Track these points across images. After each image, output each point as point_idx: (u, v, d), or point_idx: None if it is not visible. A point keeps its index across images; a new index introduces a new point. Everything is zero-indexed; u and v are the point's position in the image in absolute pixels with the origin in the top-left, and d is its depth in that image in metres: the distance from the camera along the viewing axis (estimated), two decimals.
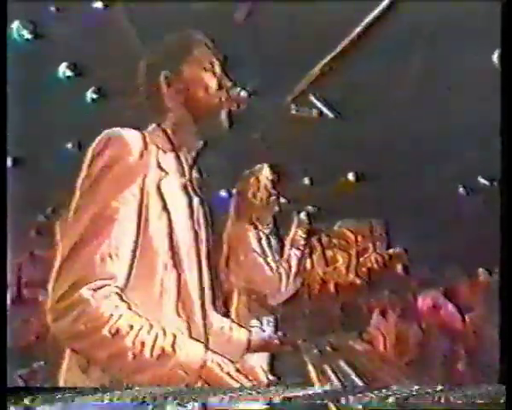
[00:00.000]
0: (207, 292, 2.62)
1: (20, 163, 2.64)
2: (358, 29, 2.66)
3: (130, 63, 2.62)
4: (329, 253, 2.73)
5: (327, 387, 2.64)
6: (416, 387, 2.63)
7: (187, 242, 2.58)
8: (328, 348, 2.70)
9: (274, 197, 2.71)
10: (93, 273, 2.45)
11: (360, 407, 2.56)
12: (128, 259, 2.51)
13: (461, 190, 2.70)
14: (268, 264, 2.73)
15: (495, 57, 2.65)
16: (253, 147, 2.69)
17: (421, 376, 2.64)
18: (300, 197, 2.71)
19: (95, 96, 2.64)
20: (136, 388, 2.60)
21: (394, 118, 2.68)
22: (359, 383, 2.64)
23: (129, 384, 2.57)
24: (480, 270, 2.67)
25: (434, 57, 2.68)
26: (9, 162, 2.64)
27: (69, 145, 2.63)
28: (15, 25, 2.62)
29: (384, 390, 2.61)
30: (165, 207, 2.55)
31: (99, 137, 2.53)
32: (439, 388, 2.61)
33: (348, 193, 2.68)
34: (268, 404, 2.59)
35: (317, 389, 2.64)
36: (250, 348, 2.64)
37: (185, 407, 2.60)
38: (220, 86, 2.62)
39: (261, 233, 2.72)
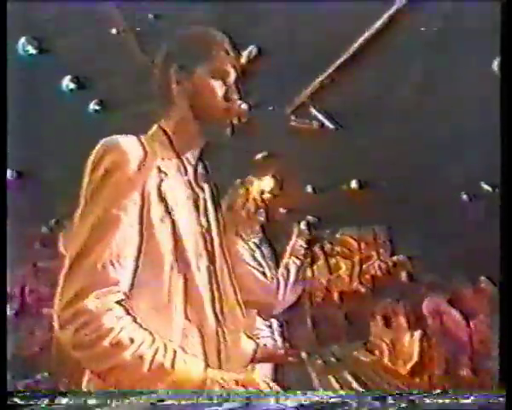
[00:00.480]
0: (218, 292, 2.60)
1: (24, 175, 2.67)
2: (359, 41, 2.67)
3: (131, 75, 2.64)
4: (333, 261, 2.72)
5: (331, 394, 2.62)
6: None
7: (194, 242, 2.57)
8: (332, 359, 2.68)
9: (261, 210, 2.70)
10: (97, 281, 2.45)
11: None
12: (132, 264, 2.51)
13: (464, 196, 2.69)
14: (263, 274, 2.71)
15: (495, 64, 2.66)
16: (254, 157, 2.69)
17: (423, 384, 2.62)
18: (303, 206, 2.70)
19: (97, 107, 2.66)
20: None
21: (396, 126, 2.68)
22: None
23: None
24: (483, 278, 2.66)
25: (434, 67, 2.69)
26: (13, 175, 2.66)
27: (72, 157, 2.64)
28: (21, 41, 2.66)
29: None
30: (167, 209, 2.55)
31: (97, 147, 2.55)
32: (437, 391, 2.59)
33: (351, 201, 2.68)
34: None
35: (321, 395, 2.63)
36: (255, 359, 2.63)
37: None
38: (227, 98, 2.62)
39: (251, 244, 2.70)
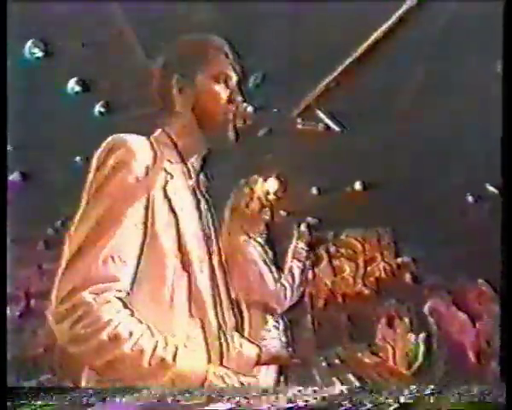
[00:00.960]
0: (220, 293, 2.60)
1: (30, 177, 2.68)
2: (364, 44, 2.67)
3: (136, 77, 2.65)
4: (336, 262, 2.71)
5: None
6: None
7: (197, 244, 2.58)
8: (336, 361, 2.67)
9: (266, 209, 2.70)
10: (96, 276, 2.46)
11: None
12: (133, 262, 2.51)
13: (469, 198, 2.69)
14: (272, 276, 2.71)
15: (499, 65, 2.66)
16: (260, 159, 2.70)
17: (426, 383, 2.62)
18: (308, 207, 2.70)
19: (102, 109, 2.67)
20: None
21: (401, 129, 2.68)
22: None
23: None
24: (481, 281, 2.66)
25: (438, 69, 2.69)
26: (18, 176, 2.67)
27: (78, 159, 2.66)
28: (28, 44, 2.68)
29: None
30: (171, 210, 2.56)
31: (104, 144, 2.57)
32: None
33: (356, 202, 2.67)
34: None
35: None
36: (259, 362, 2.62)
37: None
38: (230, 100, 2.63)
39: (258, 244, 2.70)
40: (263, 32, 2.68)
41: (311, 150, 2.67)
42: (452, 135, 2.67)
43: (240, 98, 2.64)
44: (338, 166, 2.68)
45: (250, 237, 2.69)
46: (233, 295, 2.65)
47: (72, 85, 2.67)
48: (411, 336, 2.67)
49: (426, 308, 2.66)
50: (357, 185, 2.68)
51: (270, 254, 2.70)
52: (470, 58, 2.66)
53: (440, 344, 2.66)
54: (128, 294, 2.50)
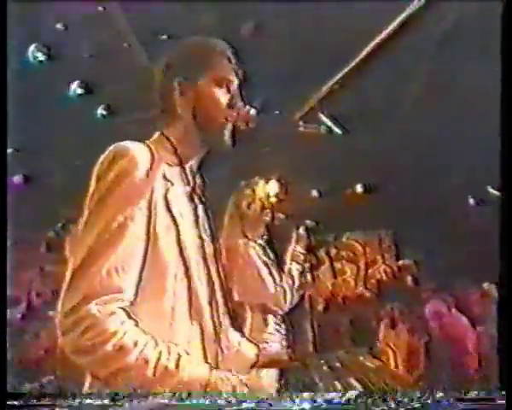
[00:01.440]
0: (217, 301, 2.61)
1: (31, 180, 2.68)
2: (368, 47, 2.67)
3: (138, 80, 2.66)
4: (338, 265, 2.71)
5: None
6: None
7: (194, 250, 2.58)
8: (337, 364, 2.66)
9: (267, 210, 2.70)
10: (101, 288, 2.47)
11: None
12: (136, 272, 2.52)
13: (470, 200, 2.68)
14: (272, 278, 2.71)
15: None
16: (261, 161, 2.70)
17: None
18: (308, 209, 2.70)
19: (105, 112, 2.68)
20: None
21: (402, 131, 2.68)
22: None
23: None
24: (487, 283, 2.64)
25: (440, 71, 2.68)
26: (20, 179, 2.68)
27: (79, 162, 2.66)
28: (31, 48, 2.69)
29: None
30: (172, 218, 2.56)
31: (106, 152, 2.57)
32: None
33: (356, 205, 2.67)
34: None
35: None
36: (258, 363, 2.62)
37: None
38: (231, 105, 2.64)
39: (258, 246, 2.70)
40: (265, 33, 2.69)
41: (312, 153, 2.67)
42: (454, 137, 2.67)
43: (241, 103, 2.64)
44: (339, 168, 2.68)
45: (250, 240, 2.69)
46: (236, 298, 2.65)
47: (75, 88, 2.68)
48: (413, 340, 2.66)
49: (426, 311, 2.66)
50: (359, 188, 2.68)
51: (271, 256, 2.70)
52: (473, 59, 2.66)
53: (441, 347, 2.65)
54: (131, 303, 2.50)
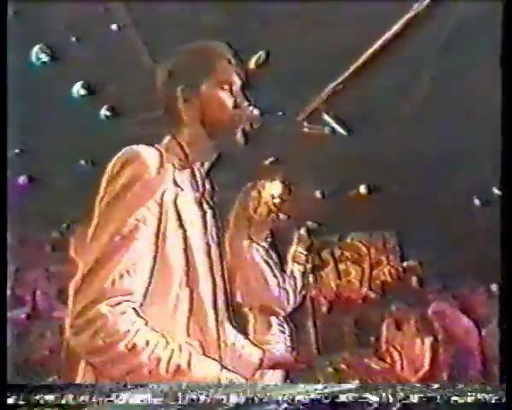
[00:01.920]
0: (222, 306, 2.61)
1: (36, 180, 2.69)
2: (371, 48, 2.66)
3: (142, 81, 2.66)
4: (342, 266, 2.70)
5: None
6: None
7: (201, 256, 2.59)
8: (342, 366, 2.66)
9: (273, 214, 2.70)
10: (111, 290, 2.47)
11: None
12: (146, 275, 2.52)
13: (475, 201, 2.66)
14: (275, 280, 2.70)
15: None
16: (266, 162, 2.69)
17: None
18: (312, 211, 2.69)
19: (108, 113, 2.68)
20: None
21: (405, 132, 2.66)
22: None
23: None
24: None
25: (443, 71, 2.67)
26: (25, 179, 2.69)
27: (83, 162, 2.67)
28: (35, 50, 2.70)
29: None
30: (180, 223, 2.56)
31: (117, 156, 2.57)
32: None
33: (361, 206, 2.66)
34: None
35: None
36: (262, 366, 2.61)
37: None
38: (236, 105, 2.63)
39: (262, 249, 2.70)
40: (269, 33, 2.68)
41: (316, 153, 2.66)
42: (459, 138, 2.65)
43: (245, 103, 2.64)
44: (343, 169, 2.67)
45: (254, 242, 2.68)
46: (239, 300, 2.65)
47: (78, 89, 2.68)
48: (418, 341, 2.65)
49: (430, 312, 2.65)
50: (363, 189, 2.67)
51: (274, 258, 2.70)
52: (476, 59, 2.64)
53: (446, 348, 2.64)
54: (141, 305, 2.51)
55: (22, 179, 2.68)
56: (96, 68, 2.68)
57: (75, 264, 2.60)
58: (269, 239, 2.69)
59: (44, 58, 2.70)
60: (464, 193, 2.66)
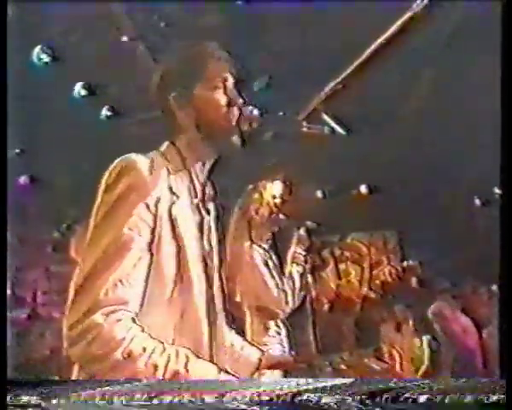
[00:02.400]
0: (220, 309, 2.61)
1: (37, 181, 2.70)
2: (370, 47, 2.66)
3: (143, 82, 2.66)
4: (342, 266, 2.70)
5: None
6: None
7: (196, 263, 2.58)
8: (342, 366, 2.65)
9: (275, 215, 2.69)
10: (105, 300, 2.47)
11: None
12: (141, 285, 2.52)
13: (476, 201, 2.66)
14: (274, 281, 2.69)
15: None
16: (265, 163, 2.69)
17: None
18: (312, 211, 2.69)
19: (109, 113, 2.69)
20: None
21: (406, 132, 2.66)
22: None
23: None
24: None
25: (446, 72, 2.67)
26: (26, 180, 2.70)
27: (84, 162, 2.67)
28: (36, 50, 2.70)
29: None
30: (174, 232, 2.55)
31: (113, 165, 2.56)
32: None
33: (361, 206, 2.66)
34: None
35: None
36: (261, 366, 2.61)
37: None
38: (230, 104, 2.60)
39: (262, 250, 2.69)
40: (270, 34, 2.68)
41: (316, 153, 2.66)
42: (459, 137, 2.65)
43: (240, 100, 2.62)
44: (343, 169, 2.67)
45: (254, 243, 2.68)
46: (238, 300, 2.65)
47: (79, 89, 2.69)
48: (417, 341, 2.65)
49: (430, 312, 2.64)
50: (363, 188, 2.67)
51: (274, 259, 2.70)
52: (476, 59, 2.64)
53: (446, 348, 2.64)
54: (136, 314, 2.51)
55: (23, 179, 2.69)
56: (96, 69, 2.68)
57: (76, 264, 2.60)
58: (269, 241, 2.69)
59: (46, 58, 2.70)
60: (464, 193, 2.66)
